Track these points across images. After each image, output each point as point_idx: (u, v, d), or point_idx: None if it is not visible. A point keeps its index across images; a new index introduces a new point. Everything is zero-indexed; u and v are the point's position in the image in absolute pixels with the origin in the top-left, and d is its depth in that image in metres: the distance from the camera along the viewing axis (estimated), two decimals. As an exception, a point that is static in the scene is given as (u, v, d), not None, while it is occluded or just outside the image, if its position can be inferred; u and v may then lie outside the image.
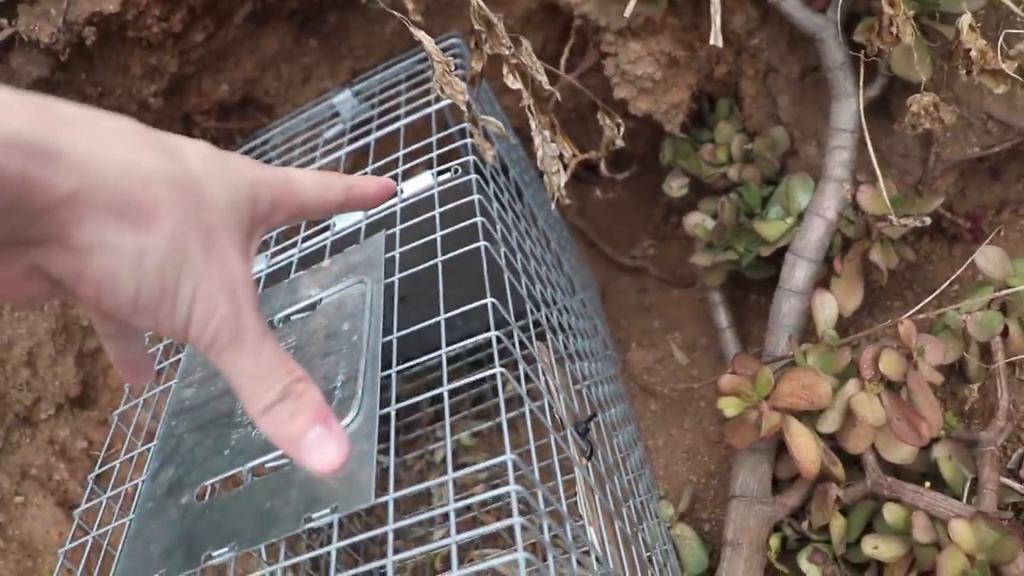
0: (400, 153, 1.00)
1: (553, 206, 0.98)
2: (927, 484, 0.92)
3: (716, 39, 0.72)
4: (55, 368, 1.10)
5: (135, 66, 1.13)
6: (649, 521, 1.03)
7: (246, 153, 1.29)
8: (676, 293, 1.51)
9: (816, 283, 1.11)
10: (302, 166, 1.15)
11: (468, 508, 1.25)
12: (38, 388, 1.08)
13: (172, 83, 1.19)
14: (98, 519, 0.81)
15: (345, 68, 1.36)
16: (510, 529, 0.52)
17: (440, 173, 0.91)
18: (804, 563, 0.97)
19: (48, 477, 1.08)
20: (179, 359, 0.91)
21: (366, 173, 1.01)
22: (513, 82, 0.91)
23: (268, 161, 1.24)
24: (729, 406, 0.95)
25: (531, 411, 0.70)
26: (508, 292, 0.78)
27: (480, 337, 0.70)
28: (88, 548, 0.78)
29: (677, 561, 1.08)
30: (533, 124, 0.92)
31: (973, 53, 0.90)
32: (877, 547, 0.90)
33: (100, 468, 0.87)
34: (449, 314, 0.73)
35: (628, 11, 0.80)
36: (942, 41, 1.01)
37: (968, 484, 0.94)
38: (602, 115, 1.10)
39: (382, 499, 0.60)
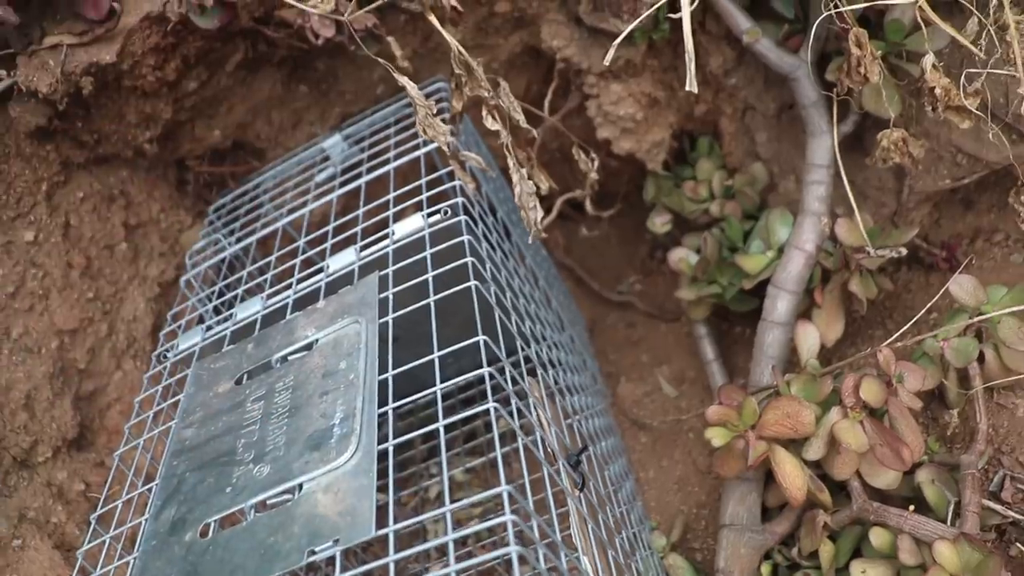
0: (391, 196, 1.03)
1: (530, 239, 1.01)
2: (911, 508, 0.94)
3: (691, 85, 0.76)
4: (52, 411, 1.11)
5: (130, 114, 1.15)
6: (642, 551, 1.05)
7: (239, 196, 1.32)
8: (663, 327, 1.54)
9: (798, 314, 1.14)
10: (294, 209, 1.18)
11: (463, 543, 1.26)
12: (36, 431, 1.09)
13: (166, 129, 1.22)
14: (101, 559, 0.82)
15: (334, 113, 1.39)
16: (506, 561, 0.54)
17: (430, 215, 0.94)
18: (794, 589, 0.99)
19: (46, 520, 1.08)
20: (178, 400, 0.93)
21: (357, 216, 1.03)
22: (492, 123, 0.94)
23: (260, 205, 1.27)
24: (716, 436, 0.97)
25: (524, 445, 0.72)
26: (499, 329, 0.80)
27: (473, 374, 0.72)
28: (92, 588, 0.79)
29: (670, 590, 1.10)
30: (511, 162, 0.95)
31: (937, 91, 0.94)
32: (865, 571, 0.92)
33: (101, 508, 0.89)
34: (442, 352, 0.75)
35: (608, 58, 0.83)
36: (909, 79, 1.05)
37: (952, 507, 0.96)
38: (577, 150, 1.14)
39: (382, 531, 0.62)
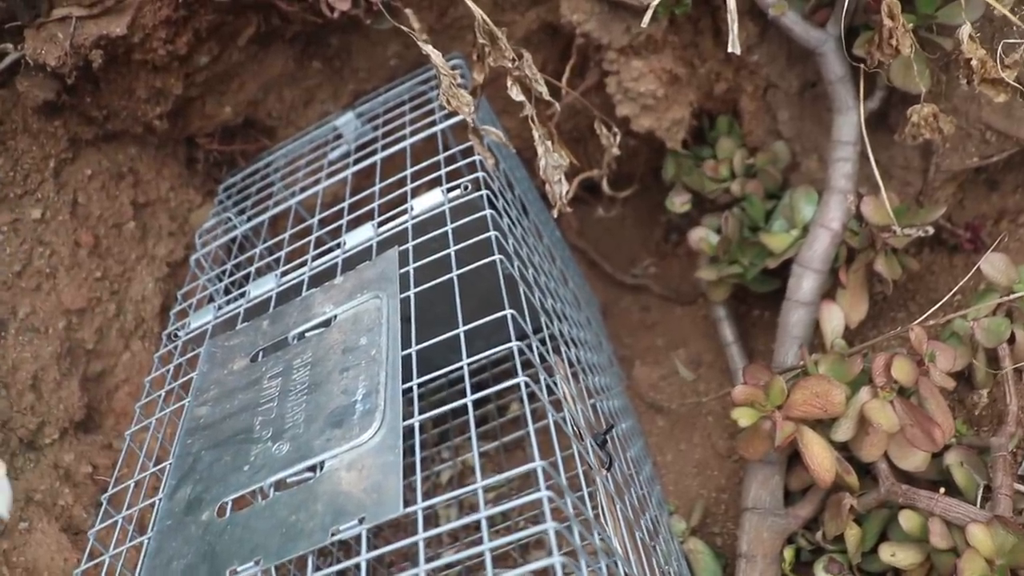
0: (408, 172, 1.01)
1: (555, 213, 0.99)
2: (942, 491, 0.92)
3: (734, 46, 0.73)
4: (60, 392, 1.09)
5: (140, 89, 1.13)
6: (663, 535, 1.03)
7: (250, 175, 1.29)
8: (679, 310, 1.52)
9: (822, 294, 1.12)
10: (306, 188, 1.15)
11: (477, 528, 1.24)
12: (43, 412, 1.07)
13: (176, 106, 1.19)
14: (113, 540, 0.80)
15: (347, 91, 1.36)
16: (521, 546, 0.51)
17: (450, 190, 0.91)
18: (821, 573, 0.97)
19: (53, 502, 1.07)
20: (189, 379, 0.90)
21: (373, 192, 1.01)
22: (517, 94, 0.92)
23: (271, 184, 1.25)
24: (743, 416, 0.95)
25: (554, 422, 0.70)
26: (524, 305, 0.78)
27: (502, 347, 0.69)
28: (105, 569, 0.77)
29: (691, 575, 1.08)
30: (536, 134, 0.92)
31: (974, 63, 0.91)
32: (895, 554, 0.90)
33: (113, 489, 0.87)
34: (467, 326, 0.73)
35: (646, 20, 0.80)
36: (940, 53, 1.03)
37: (981, 490, 0.94)
38: (599, 124, 1.11)
39: (411, 509, 0.60)
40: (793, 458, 1.07)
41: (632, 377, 1.41)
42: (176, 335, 1.01)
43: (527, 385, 0.65)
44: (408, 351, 0.74)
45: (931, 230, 1.07)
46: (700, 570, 1.07)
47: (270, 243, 1.10)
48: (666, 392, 1.37)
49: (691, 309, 1.50)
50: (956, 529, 0.87)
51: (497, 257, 0.78)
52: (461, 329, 0.73)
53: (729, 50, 0.73)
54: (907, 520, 0.91)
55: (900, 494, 0.93)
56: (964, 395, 1.06)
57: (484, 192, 0.90)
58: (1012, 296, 0.96)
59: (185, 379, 0.93)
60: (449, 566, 1.13)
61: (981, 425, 1.04)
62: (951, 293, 1.05)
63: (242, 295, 1.00)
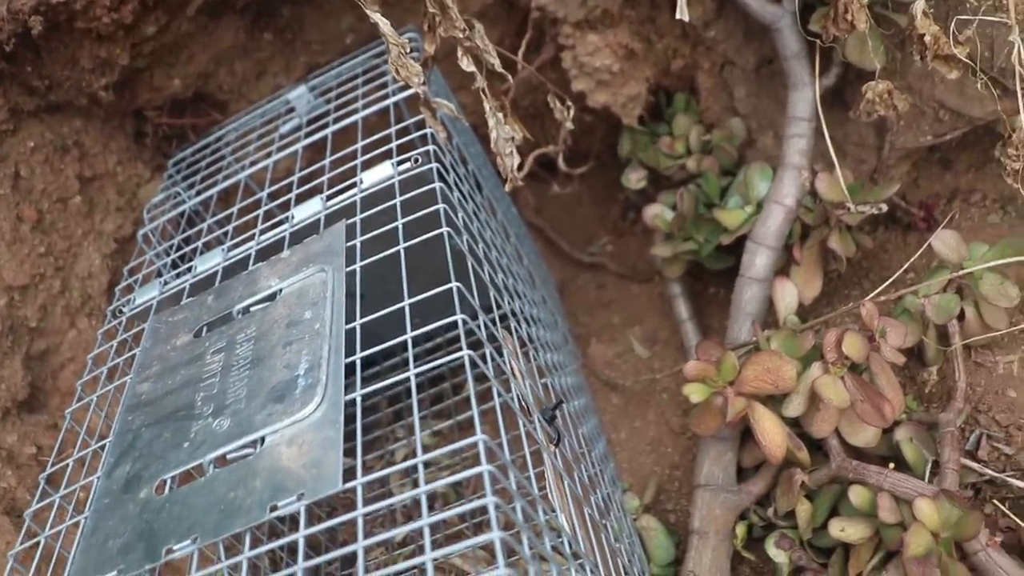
0: (359, 144, 0.99)
1: (508, 187, 0.97)
2: (891, 466, 0.92)
3: (682, 12, 0.72)
4: (1, 371, 1.06)
5: (84, 58, 1.10)
6: (615, 512, 1.03)
7: (200, 150, 1.27)
8: (635, 288, 1.51)
9: (776, 271, 1.12)
10: (257, 161, 1.13)
11: (431, 506, 1.23)
12: (-16, 392, 1.04)
13: (123, 77, 1.16)
14: (50, 520, 0.78)
15: (300, 64, 1.33)
16: (475, 524, 0.51)
17: (400, 163, 0.90)
18: (771, 549, 0.97)
19: (-5, 484, 1.04)
20: (133, 355, 0.88)
21: (323, 166, 0.99)
22: (467, 65, 0.90)
23: (222, 158, 1.22)
24: (694, 392, 0.94)
25: (499, 396, 0.69)
26: (472, 279, 0.77)
27: (445, 320, 0.68)
28: (41, 550, 0.75)
29: (644, 552, 1.08)
30: (487, 106, 0.91)
31: (927, 38, 0.91)
32: (844, 529, 0.90)
33: (51, 468, 0.84)
34: (412, 300, 0.72)
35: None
36: (895, 29, 1.03)
37: (930, 465, 0.94)
38: (552, 98, 1.10)
39: (350, 484, 0.59)
40: (746, 434, 1.07)
41: (588, 355, 1.40)
42: (121, 311, 0.99)
43: (471, 360, 0.64)
44: (353, 324, 0.72)
45: (885, 207, 1.07)
46: (653, 547, 1.07)
47: (219, 216, 1.07)
48: (621, 370, 1.37)
49: (647, 287, 1.49)
50: (904, 504, 0.88)
51: (444, 230, 0.77)
52: (407, 302, 0.71)
53: (677, 16, 0.72)
54: (856, 495, 0.91)
55: (850, 469, 0.93)
56: (915, 372, 1.07)
57: (434, 165, 0.88)
58: (962, 272, 0.97)
59: (129, 355, 0.90)
60: (396, 542, 1.13)
61: (931, 402, 1.05)
62: (901, 269, 1.06)
63: (189, 270, 0.98)
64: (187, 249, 1.07)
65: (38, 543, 0.76)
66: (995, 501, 0.94)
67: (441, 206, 0.80)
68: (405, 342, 0.69)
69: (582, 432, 1.00)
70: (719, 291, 1.38)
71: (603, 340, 1.43)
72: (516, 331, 0.87)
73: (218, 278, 0.91)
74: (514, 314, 0.87)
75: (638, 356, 1.38)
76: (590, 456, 1.00)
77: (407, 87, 0.93)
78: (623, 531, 1.02)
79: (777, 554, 0.97)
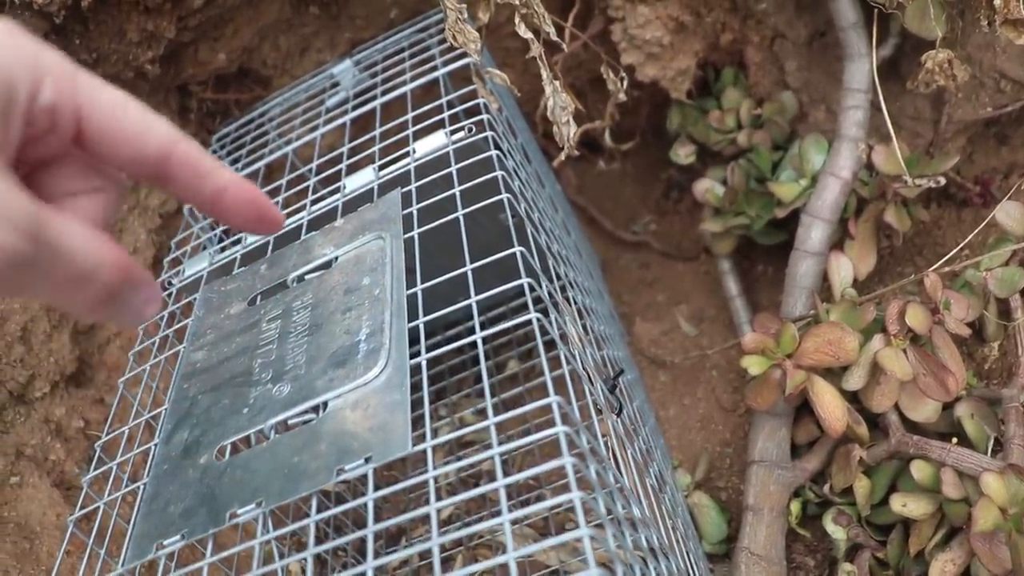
0: (409, 115, 0.98)
1: (563, 156, 0.96)
2: (953, 441, 0.90)
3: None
4: (50, 344, 1.06)
5: (131, 31, 1.09)
6: (669, 486, 1.01)
7: (244, 125, 1.26)
8: (680, 266, 1.49)
9: (831, 245, 1.10)
10: (303, 135, 1.12)
11: (476, 483, 1.22)
12: (33, 365, 1.04)
13: (169, 50, 1.15)
14: (107, 488, 0.78)
15: (344, 39, 1.32)
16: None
17: (453, 132, 0.89)
18: (829, 525, 0.95)
19: (44, 457, 1.04)
20: (185, 325, 0.88)
21: (373, 136, 0.98)
22: (524, 31, 0.89)
23: (266, 133, 1.21)
24: (753, 365, 0.93)
25: (567, 363, 0.68)
26: (532, 246, 0.75)
27: (511, 284, 0.67)
28: (100, 515, 0.75)
29: (695, 529, 1.06)
30: (544, 74, 0.90)
31: (996, 2, 0.89)
32: (906, 505, 0.88)
33: (106, 437, 0.84)
34: (474, 264, 0.71)
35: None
36: (957, -4, 1.00)
37: (991, 442, 0.92)
38: (605, 68, 1.08)
39: (420, 447, 0.58)
40: (800, 410, 1.05)
41: (632, 333, 1.39)
42: (170, 283, 0.99)
43: (538, 321, 0.63)
44: (413, 290, 0.71)
45: (943, 180, 1.05)
46: (705, 523, 1.06)
47: (267, 190, 1.07)
48: (668, 347, 1.35)
49: (692, 265, 1.47)
50: (968, 479, 0.86)
51: (504, 196, 0.76)
52: (468, 267, 0.70)
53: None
54: (919, 470, 0.89)
55: (911, 444, 0.91)
56: (973, 348, 1.05)
57: (489, 133, 0.87)
58: (1027, 244, 0.95)
59: (179, 326, 0.90)
60: (442, 519, 1.12)
61: (991, 379, 1.02)
62: (963, 244, 1.03)
63: (237, 242, 0.97)
64: (234, 223, 1.06)
65: (97, 509, 0.76)
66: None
67: (499, 173, 0.79)
68: (467, 309, 0.68)
69: (635, 405, 0.98)
70: (767, 268, 1.36)
71: (648, 319, 1.41)
72: (573, 301, 0.86)
73: (270, 248, 0.91)
74: (572, 284, 0.86)
75: (685, 334, 1.36)
76: (643, 430, 0.98)
77: (453, 61, 0.92)
78: (676, 506, 1.01)
79: (835, 530, 0.95)
